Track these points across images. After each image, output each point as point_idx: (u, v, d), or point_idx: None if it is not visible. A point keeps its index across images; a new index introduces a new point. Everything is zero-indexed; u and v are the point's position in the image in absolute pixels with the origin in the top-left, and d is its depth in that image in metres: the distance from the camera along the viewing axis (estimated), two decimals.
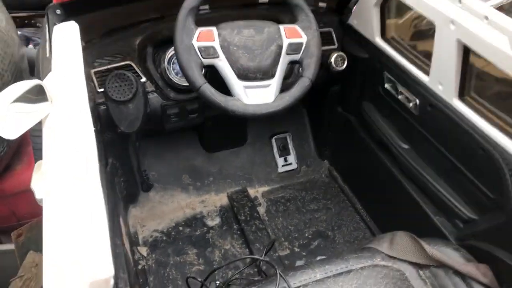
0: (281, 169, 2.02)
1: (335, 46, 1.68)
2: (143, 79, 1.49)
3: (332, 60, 1.59)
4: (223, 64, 1.24)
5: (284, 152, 2.03)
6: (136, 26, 1.56)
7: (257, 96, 1.25)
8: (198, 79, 1.22)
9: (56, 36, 1.16)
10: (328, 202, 1.90)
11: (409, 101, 1.41)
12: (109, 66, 1.47)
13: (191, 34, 1.23)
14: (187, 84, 1.48)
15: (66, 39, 1.15)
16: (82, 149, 0.89)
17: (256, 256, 1.55)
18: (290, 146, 2.05)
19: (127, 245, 1.48)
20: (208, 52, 1.24)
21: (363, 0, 1.55)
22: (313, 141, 2.09)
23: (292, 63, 1.33)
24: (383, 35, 1.54)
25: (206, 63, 1.24)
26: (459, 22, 1.14)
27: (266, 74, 1.26)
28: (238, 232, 1.76)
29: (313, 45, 1.30)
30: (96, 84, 1.44)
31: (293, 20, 1.34)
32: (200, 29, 1.24)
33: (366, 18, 1.55)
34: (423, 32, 1.47)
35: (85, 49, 1.32)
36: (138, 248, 1.69)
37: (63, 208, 0.79)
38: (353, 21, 1.64)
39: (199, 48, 1.23)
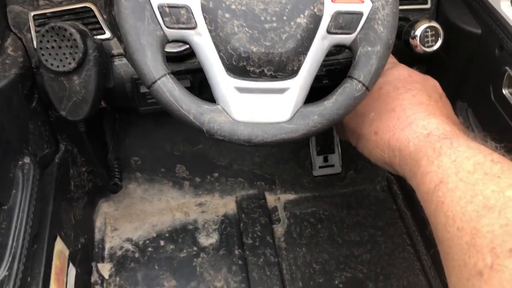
0: (317, 172, 1.40)
1: (427, 6, 1.01)
2: (106, 35, 0.94)
3: (418, 34, 0.92)
4: (202, 43, 0.65)
5: (325, 148, 1.40)
6: None
7: (259, 108, 0.66)
8: (152, 66, 0.64)
9: None
10: (378, 233, 1.29)
11: None
12: (58, 9, 0.94)
13: None
14: (178, 47, 0.95)
15: None
16: None
17: None
18: (336, 140, 1.40)
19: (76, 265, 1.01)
20: (178, 17, 0.64)
21: None
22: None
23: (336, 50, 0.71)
24: None
25: (172, 37, 0.66)
26: None
27: (282, 69, 0.65)
28: (240, 263, 1.23)
29: (382, 21, 0.66)
30: (34, 36, 0.93)
31: None
32: None
33: None
34: None
35: None
36: (99, 265, 1.22)
37: None
38: None
39: (161, 9, 0.63)
